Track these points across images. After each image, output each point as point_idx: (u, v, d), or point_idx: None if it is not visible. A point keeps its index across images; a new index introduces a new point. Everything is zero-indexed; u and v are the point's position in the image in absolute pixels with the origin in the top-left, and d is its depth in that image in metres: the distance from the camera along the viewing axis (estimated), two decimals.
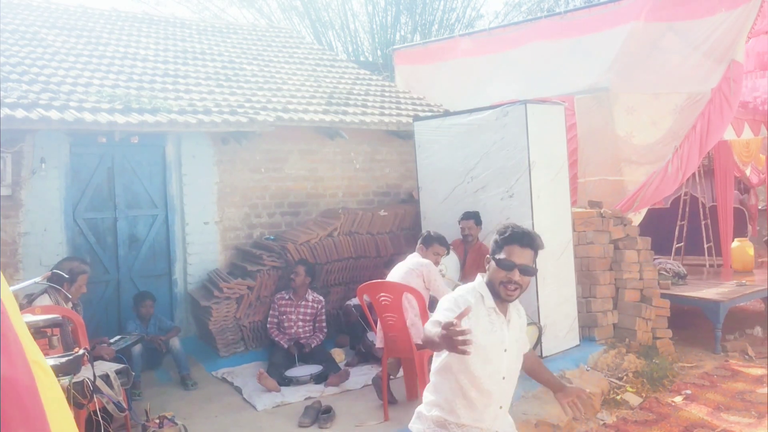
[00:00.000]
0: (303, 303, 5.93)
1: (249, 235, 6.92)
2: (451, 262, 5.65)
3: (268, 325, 5.94)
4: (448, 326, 2.03)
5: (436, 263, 4.86)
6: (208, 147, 6.68)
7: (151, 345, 5.46)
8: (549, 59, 8.21)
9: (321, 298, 6.08)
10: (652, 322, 6.16)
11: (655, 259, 6.93)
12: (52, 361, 2.85)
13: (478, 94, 8.22)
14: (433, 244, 4.87)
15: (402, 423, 4.40)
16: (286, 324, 5.89)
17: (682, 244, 8.45)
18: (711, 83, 6.96)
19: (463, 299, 2.35)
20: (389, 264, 5.21)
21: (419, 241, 4.95)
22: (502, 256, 2.33)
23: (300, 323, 5.90)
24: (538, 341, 4.69)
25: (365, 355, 5.86)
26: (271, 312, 5.97)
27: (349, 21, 18.27)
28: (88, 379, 3.03)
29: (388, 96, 8.65)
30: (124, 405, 3.87)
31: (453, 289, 5.06)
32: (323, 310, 6.04)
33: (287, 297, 5.95)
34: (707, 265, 8.41)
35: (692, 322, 7.17)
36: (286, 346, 5.74)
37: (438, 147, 6.22)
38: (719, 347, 6.47)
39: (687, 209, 8.45)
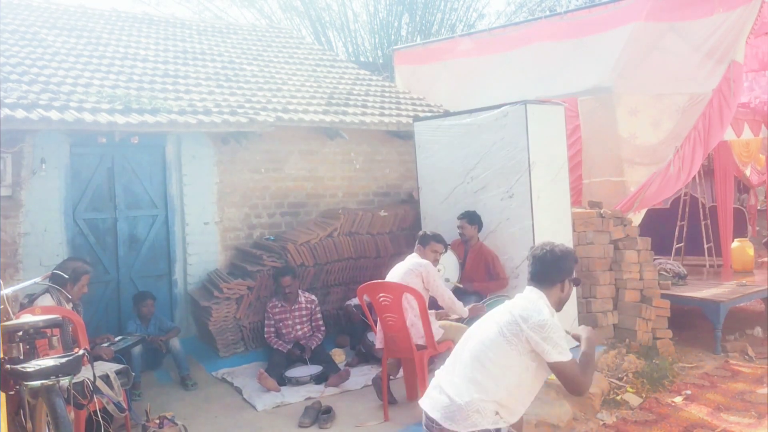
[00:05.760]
0: (296, 306, 5.91)
1: (249, 235, 6.92)
2: (449, 262, 5.64)
3: (265, 335, 5.91)
4: None
5: (436, 261, 4.85)
6: (208, 147, 6.68)
7: (151, 345, 5.46)
8: (551, 60, 8.20)
9: (313, 297, 6.07)
10: (652, 322, 6.16)
11: (655, 259, 6.93)
12: (51, 362, 2.85)
13: (479, 95, 8.20)
14: (431, 242, 4.86)
15: (402, 423, 4.41)
16: (284, 330, 5.87)
17: (682, 244, 8.44)
18: (712, 84, 6.96)
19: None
20: (389, 264, 5.21)
21: (416, 242, 4.94)
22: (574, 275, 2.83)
23: (298, 326, 5.89)
24: None
25: (365, 355, 5.86)
26: (266, 321, 5.93)
27: (350, 21, 18.28)
28: (88, 379, 3.03)
29: (388, 96, 8.65)
30: (124, 405, 3.88)
31: (452, 290, 5.06)
32: (318, 308, 6.03)
33: (279, 305, 5.90)
34: (707, 266, 8.41)
35: (692, 323, 7.17)
36: (285, 350, 5.73)
37: (438, 147, 6.22)
38: (719, 347, 6.47)
39: (687, 209, 8.44)
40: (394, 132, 7.65)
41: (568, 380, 2.58)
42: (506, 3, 25.39)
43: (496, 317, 2.70)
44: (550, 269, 2.74)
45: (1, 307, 2.98)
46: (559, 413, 4.55)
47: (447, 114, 6.77)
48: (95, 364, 3.37)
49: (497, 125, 5.66)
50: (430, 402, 2.68)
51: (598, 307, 6.03)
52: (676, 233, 8.35)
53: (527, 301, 2.68)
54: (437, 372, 2.81)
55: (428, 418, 2.67)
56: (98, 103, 5.74)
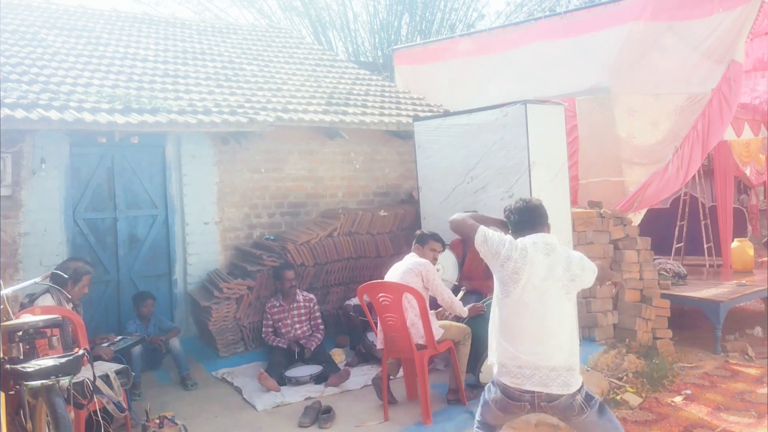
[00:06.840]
0: (295, 305, 5.92)
1: (249, 235, 6.92)
2: (448, 262, 5.64)
3: (263, 335, 5.93)
4: None
5: (434, 260, 4.85)
6: (208, 147, 6.68)
7: (151, 345, 5.46)
8: (549, 59, 8.21)
9: (311, 295, 6.08)
10: (652, 322, 6.16)
11: (655, 259, 6.93)
12: (51, 362, 2.85)
13: (478, 95, 8.21)
14: (429, 241, 4.86)
15: (402, 423, 4.41)
16: (283, 330, 5.87)
17: (682, 244, 8.45)
18: (711, 84, 6.96)
19: None
20: (389, 264, 5.22)
21: (414, 242, 4.93)
22: None
23: (297, 325, 5.90)
24: None
25: (365, 355, 5.86)
26: (264, 321, 5.94)
27: (350, 21, 18.30)
28: (88, 379, 3.04)
29: (388, 96, 8.65)
30: (124, 405, 3.88)
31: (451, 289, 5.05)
32: (317, 307, 6.04)
33: (278, 304, 5.92)
34: (707, 266, 8.41)
35: (692, 323, 7.17)
36: (285, 346, 5.73)
37: (438, 147, 6.22)
38: (719, 347, 6.47)
39: (687, 209, 8.45)
40: (394, 132, 7.65)
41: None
42: (506, 3, 25.37)
43: (561, 291, 2.95)
44: (539, 211, 3.20)
45: (1, 307, 2.98)
46: None
47: (447, 114, 6.77)
48: (95, 364, 3.37)
49: (497, 125, 5.66)
50: (533, 381, 2.87)
51: (598, 307, 6.03)
52: (676, 233, 8.36)
53: (583, 266, 3.01)
54: (509, 346, 2.96)
55: (528, 392, 2.88)
56: (98, 103, 5.73)
